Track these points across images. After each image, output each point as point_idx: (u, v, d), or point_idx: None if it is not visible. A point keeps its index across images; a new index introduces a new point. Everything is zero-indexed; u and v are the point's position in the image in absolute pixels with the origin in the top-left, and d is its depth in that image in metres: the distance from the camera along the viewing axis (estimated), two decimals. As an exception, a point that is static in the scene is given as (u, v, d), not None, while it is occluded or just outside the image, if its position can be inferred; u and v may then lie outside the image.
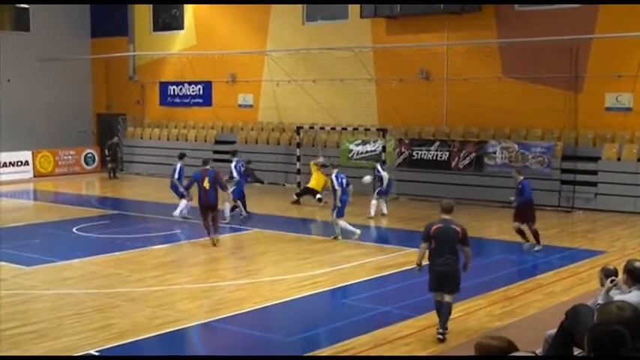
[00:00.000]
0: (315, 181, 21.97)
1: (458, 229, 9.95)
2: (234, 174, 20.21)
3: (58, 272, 13.94)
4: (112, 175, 30.20)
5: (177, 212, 19.56)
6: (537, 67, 23.09)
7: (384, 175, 20.69)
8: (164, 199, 21.88)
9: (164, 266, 14.62)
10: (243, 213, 20.30)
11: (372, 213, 20.44)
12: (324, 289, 12.90)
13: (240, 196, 20.22)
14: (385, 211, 20.81)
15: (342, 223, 17.03)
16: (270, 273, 14.00)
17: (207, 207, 16.58)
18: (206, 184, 16.56)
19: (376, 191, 20.77)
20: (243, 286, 13.01)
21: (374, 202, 20.60)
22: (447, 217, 10.08)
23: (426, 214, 20.92)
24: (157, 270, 14.19)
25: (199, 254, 16.22)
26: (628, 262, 7.07)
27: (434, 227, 9.99)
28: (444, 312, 10.03)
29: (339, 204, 16.90)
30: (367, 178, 20.32)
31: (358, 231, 17.01)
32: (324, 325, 11.26)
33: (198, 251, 16.55)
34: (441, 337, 9.91)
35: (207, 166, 17.02)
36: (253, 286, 13.00)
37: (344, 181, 17.13)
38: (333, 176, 17.18)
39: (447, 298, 10.06)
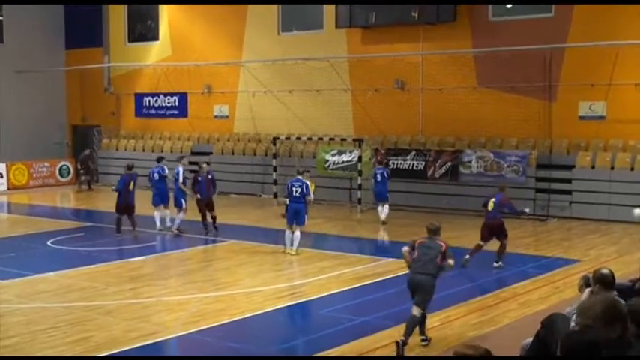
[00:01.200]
0: None
1: (442, 243, 10.24)
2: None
3: (33, 285, 13.80)
4: (84, 187, 29.85)
5: (174, 226, 19.40)
6: (512, 76, 23.26)
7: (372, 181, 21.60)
8: (140, 211, 21.71)
9: (140, 278, 14.52)
10: (166, 223, 19.67)
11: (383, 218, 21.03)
12: (302, 300, 12.90)
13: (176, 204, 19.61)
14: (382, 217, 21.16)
15: (297, 233, 16.77)
16: (248, 284, 13.95)
17: (127, 207, 19.03)
18: (131, 187, 19.02)
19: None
20: (220, 297, 12.94)
21: (380, 208, 21.20)
22: (434, 237, 10.42)
23: (402, 224, 21.01)
24: (133, 282, 14.09)
25: (176, 266, 16.18)
26: (596, 272, 7.07)
27: (419, 240, 10.39)
28: (407, 322, 9.90)
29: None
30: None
31: (290, 250, 16.69)
32: (302, 336, 11.23)
33: (175, 263, 16.52)
34: (399, 343, 9.65)
35: (132, 171, 19.41)
36: (230, 298, 12.93)
37: (293, 189, 16.79)
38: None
39: (414, 310, 9.97)
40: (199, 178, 19.34)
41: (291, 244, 16.70)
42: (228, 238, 18.79)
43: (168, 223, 19.66)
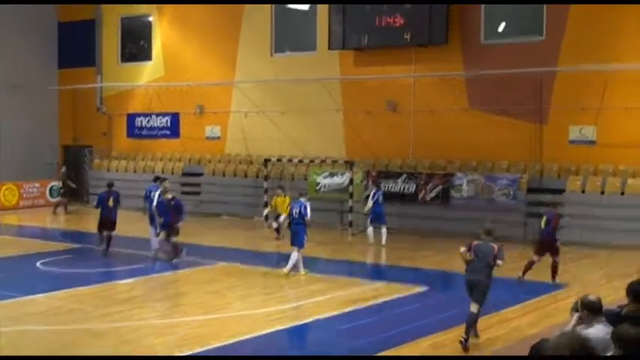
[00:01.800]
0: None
1: (495, 245, 11.29)
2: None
3: (20, 308, 13.67)
4: (60, 210, 29.22)
5: (152, 249, 19.12)
6: (503, 99, 23.33)
7: (369, 203, 21.55)
8: (130, 232, 21.70)
9: (129, 301, 14.41)
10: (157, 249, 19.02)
11: (370, 239, 21.32)
12: (292, 325, 12.81)
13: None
14: (383, 242, 21.16)
15: (294, 254, 16.73)
16: (237, 308, 13.88)
17: (108, 222, 19.51)
18: (110, 203, 19.57)
19: (368, 219, 21.62)
20: (209, 321, 12.85)
21: (369, 230, 21.45)
22: (488, 238, 11.45)
23: (393, 247, 20.96)
24: (121, 305, 13.98)
25: (165, 289, 16.13)
26: (582, 299, 7.04)
27: (475, 242, 11.39)
28: (466, 320, 11.07)
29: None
30: None
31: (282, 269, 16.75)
32: (291, 361, 11.16)
33: (164, 286, 16.45)
34: (462, 342, 10.90)
35: (112, 189, 20.01)
36: (219, 322, 12.84)
37: (294, 210, 16.98)
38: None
39: (472, 307, 11.14)
40: (161, 200, 18.90)
41: (303, 266, 16.76)
42: (218, 261, 18.67)
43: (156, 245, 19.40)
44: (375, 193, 21.63)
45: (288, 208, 21.04)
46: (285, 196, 21.82)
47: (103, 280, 16.52)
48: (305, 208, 16.79)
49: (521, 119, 23.30)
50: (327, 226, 24.09)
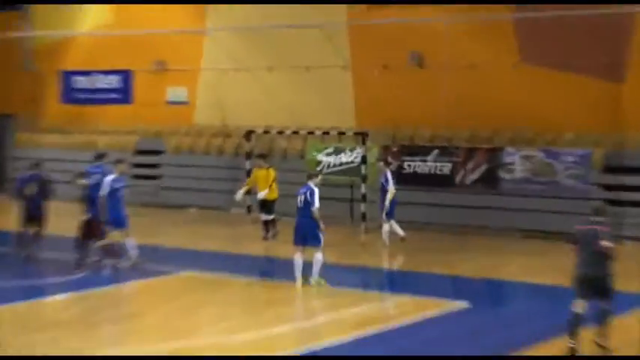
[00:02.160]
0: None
1: (597, 227, 11.87)
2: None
3: None
4: None
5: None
6: (565, 49, 23.43)
7: (391, 188, 21.12)
8: (65, 231, 21.13)
9: (63, 325, 13.97)
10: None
11: (386, 241, 21.14)
12: (283, 354, 12.28)
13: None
14: (401, 233, 21.06)
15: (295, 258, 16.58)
16: (208, 332, 13.56)
17: (30, 216, 19.02)
18: (31, 190, 18.94)
19: (383, 213, 21.21)
20: (172, 350, 12.31)
21: (385, 227, 21.14)
22: (596, 219, 12.01)
23: (421, 248, 20.88)
24: (51, 330, 13.51)
25: (110, 307, 15.69)
26: None
27: (578, 228, 12.08)
28: (598, 320, 11.73)
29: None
30: None
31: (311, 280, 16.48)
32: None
33: (109, 303, 16.07)
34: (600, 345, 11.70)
35: (37, 170, 19.46)
36: (185, 352, 12.29)
37: (298, 198, 16.68)
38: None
39: (576, 306, 11.74)
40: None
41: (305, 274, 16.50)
42: (181, 268, 18.41)
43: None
44: (391, 176, 21.37)
45: (273, 184, 20.97)
46: (268, 169, 22.17)
47: (22, 298, 15.99)
48: (312, 194, 16.48)
49: (591, 76, 23.27)
50: (333, 220, 23.54)
